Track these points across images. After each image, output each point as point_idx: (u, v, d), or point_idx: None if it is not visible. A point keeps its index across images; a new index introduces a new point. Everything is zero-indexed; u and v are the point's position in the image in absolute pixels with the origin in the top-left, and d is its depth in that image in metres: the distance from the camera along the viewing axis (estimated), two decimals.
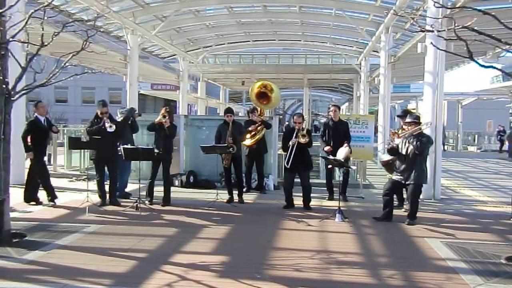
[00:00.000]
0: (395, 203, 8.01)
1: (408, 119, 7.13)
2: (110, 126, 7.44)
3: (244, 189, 8.80)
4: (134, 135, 8.68)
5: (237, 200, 8.25)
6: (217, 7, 15.79)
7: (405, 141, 6.86)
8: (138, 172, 7.65)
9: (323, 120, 20.70)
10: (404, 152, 6.83)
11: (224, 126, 8.42)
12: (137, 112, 9.00)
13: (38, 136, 7.65)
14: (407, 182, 6.77)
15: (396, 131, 7.41)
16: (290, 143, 7.56)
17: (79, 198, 7.87)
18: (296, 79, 26.39)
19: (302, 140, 7.53)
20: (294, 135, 7.60)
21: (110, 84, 40.59)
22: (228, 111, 8.65)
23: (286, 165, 7.75)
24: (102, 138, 7.41)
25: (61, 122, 33.64)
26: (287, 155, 7.63)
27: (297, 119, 7.84)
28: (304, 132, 7.62)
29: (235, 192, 8.30)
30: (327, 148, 8.31)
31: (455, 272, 4.62)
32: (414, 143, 6.69)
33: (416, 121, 7.02)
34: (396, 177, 6.94)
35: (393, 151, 7.03)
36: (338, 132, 8.36)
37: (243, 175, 8.84)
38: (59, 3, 11.72)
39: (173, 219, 6.86)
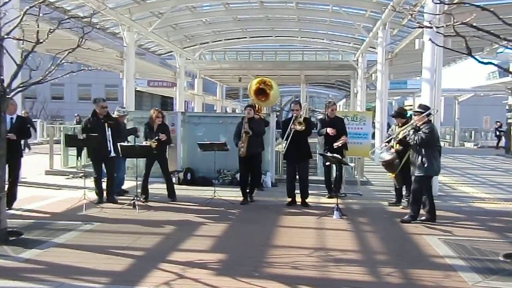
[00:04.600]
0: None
1: (418, 109, 6.91)
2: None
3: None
4: None
5: (249, 200, 8.05)
6: (213, 4, 15.73)
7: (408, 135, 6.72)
8: (136, 170, 7.62)
9: (320, 116, 20.66)
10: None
11: (243, 122, 8.12)
12: (138, 133, 8.88)
13: None
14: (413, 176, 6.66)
15: (392, 143, 7.29)
16: (287, 131, 7.54)
17: (76, 195, 7.83)
18: (293, 75, 26.40)
19: (298, 128, 7.48)
20: (291, 122, 7.58)
21: (106, 81, 40.51)
22: (249, 105, 8.38)
23: (284, 154, 7.71)
24: (99, 135, 7.35)
25: (58, 119, 33.57)
26: (285, 143, 7.63)
27: (294, 107, 7.80)
28: (301, 120, 7.58)
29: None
30: (329, 130, 7.92)
31: (453, 269, 4.61)
32: (412, 136, 6.52)
33: (422, 111, 6.69)
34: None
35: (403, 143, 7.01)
36: (334, 128, 8.28)
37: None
38: None
39: (170, 216, 6.84)
